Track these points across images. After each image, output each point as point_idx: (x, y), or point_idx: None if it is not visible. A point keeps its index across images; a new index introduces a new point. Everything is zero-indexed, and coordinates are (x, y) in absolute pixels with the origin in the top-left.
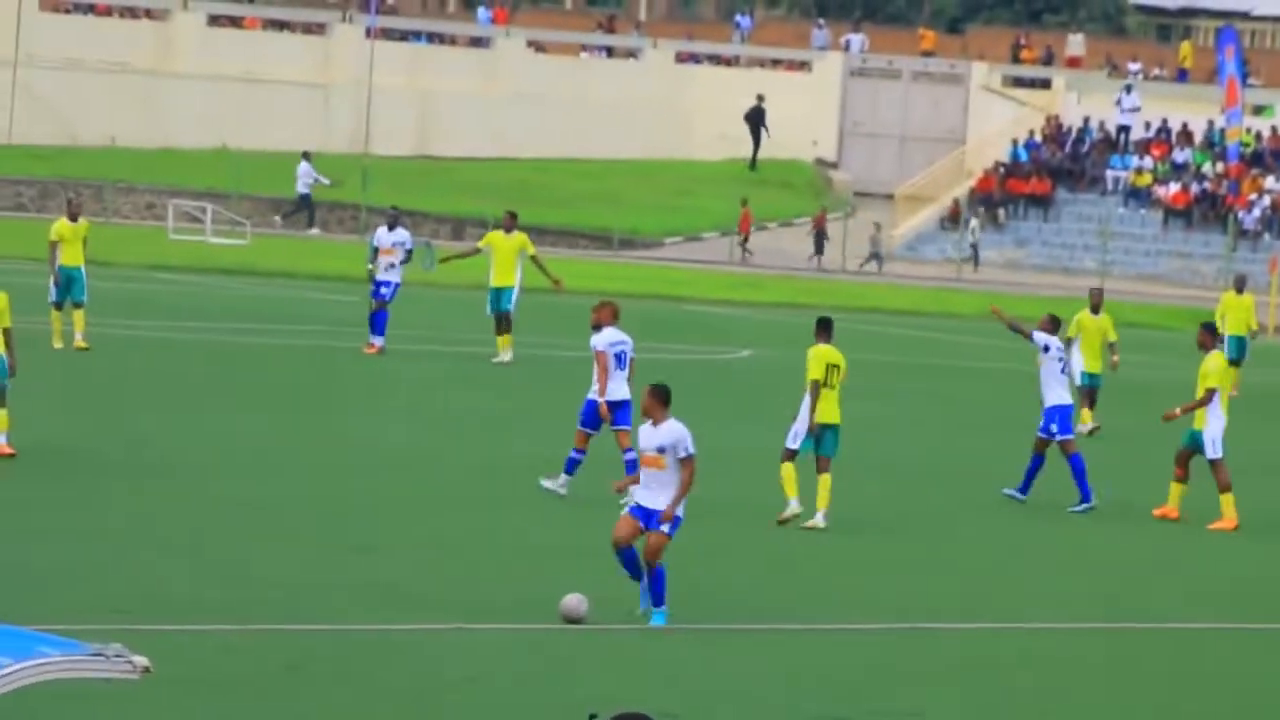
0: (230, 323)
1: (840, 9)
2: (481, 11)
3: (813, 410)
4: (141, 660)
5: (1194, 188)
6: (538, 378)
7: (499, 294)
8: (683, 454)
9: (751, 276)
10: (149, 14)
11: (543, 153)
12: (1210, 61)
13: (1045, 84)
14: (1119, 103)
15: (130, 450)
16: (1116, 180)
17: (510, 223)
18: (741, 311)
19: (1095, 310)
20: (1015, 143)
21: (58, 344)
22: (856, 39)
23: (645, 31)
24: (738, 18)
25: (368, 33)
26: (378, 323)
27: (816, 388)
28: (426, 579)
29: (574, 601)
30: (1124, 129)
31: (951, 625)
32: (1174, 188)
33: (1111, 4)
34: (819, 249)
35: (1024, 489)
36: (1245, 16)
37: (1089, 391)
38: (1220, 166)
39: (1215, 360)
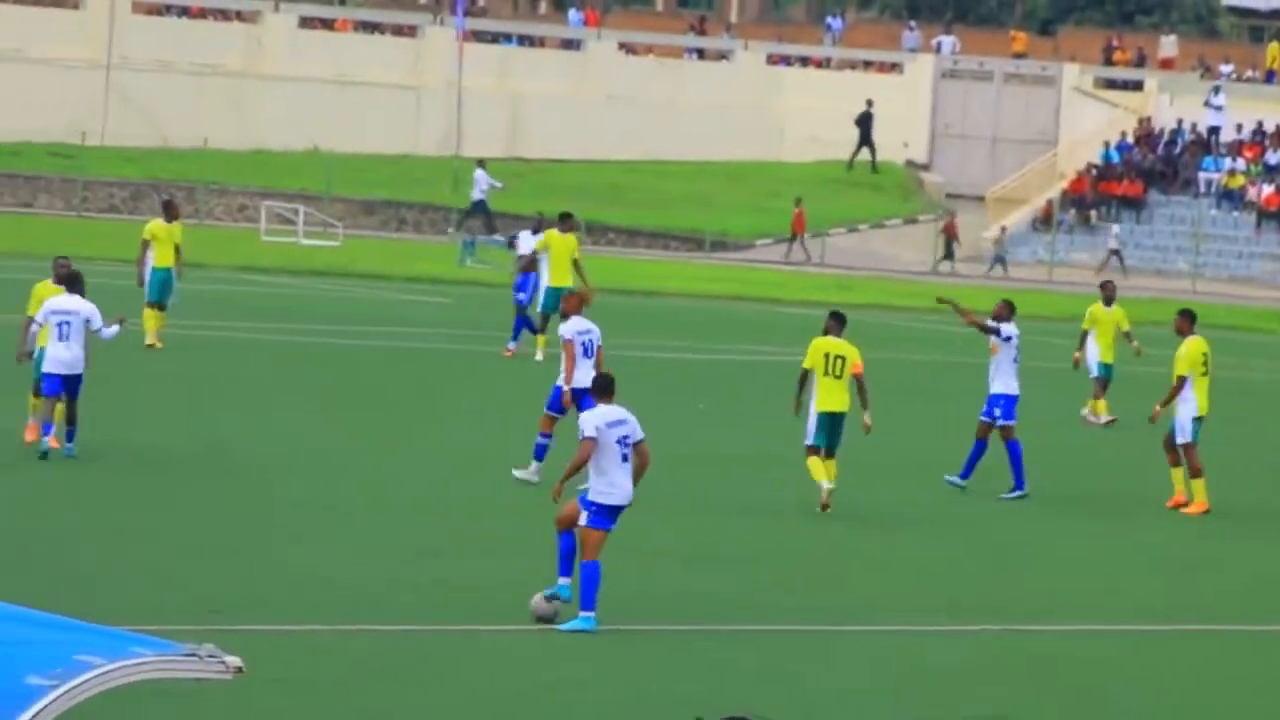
0: (322, 324)
1: (931, 11)
2: (572, 13)
3: (797, 397)
4: (234, 660)
5: None
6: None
7: (554, 293)
8: (580, 436)
9: (841, 278)
10: (240, 16)
11: (633, 155)
12: None
13: (1137, 86)
14: (1208, 104)
15: (219, 451)
16: (1209, 182)
17: (566, 224)
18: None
19: (1108, 302)
20: (1107, 145)
21: (151, 341)
22: (948, 41)
23: (736, 34)
24: (829, 20)
25: (465, 35)
26: (519, 326)
27: (804, 376)
28: (511, 581)
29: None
30: (1214, 130)
31: (1019, 626)
32: (1266, 189)
33: (1204, 5)
34: (949, 254)
35: (965, 474)
36: None
37: (1103, 382)
38: None
39: (1188, 346)
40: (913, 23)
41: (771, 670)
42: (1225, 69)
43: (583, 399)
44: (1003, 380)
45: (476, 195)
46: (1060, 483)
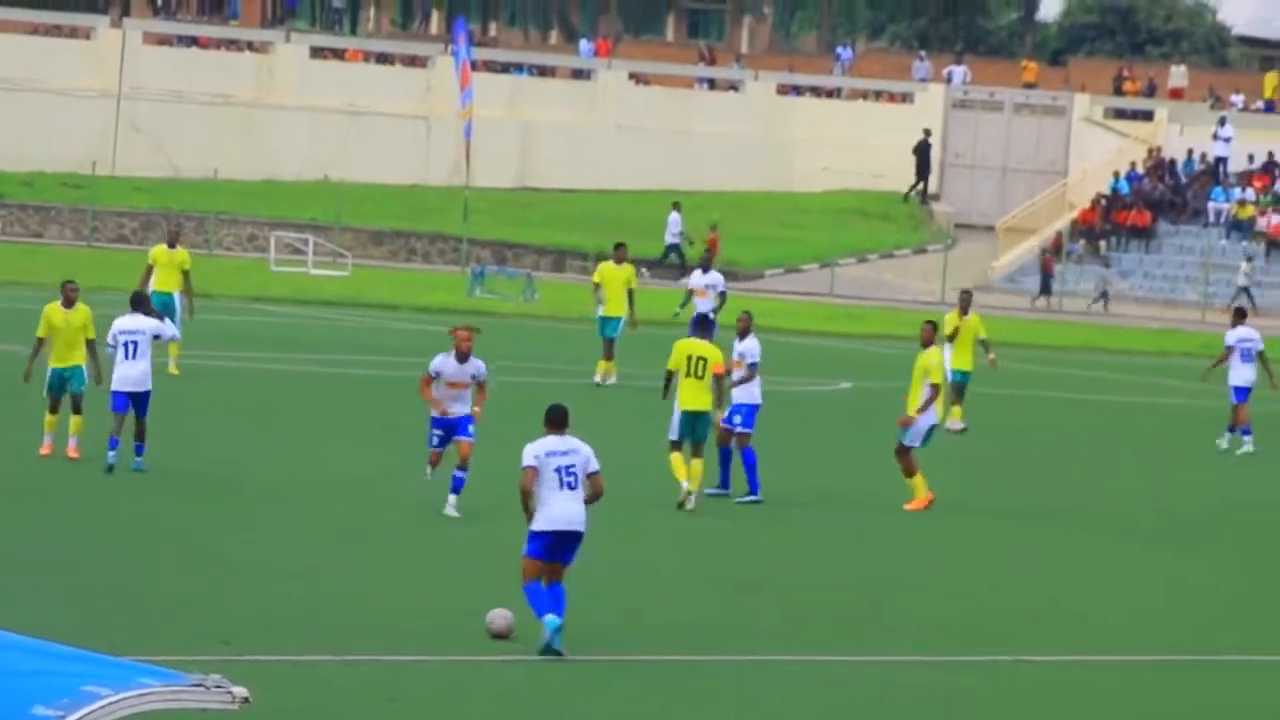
0: (332, 354)
1: (942, 41)
2: (583, 43)
3: (665, 395)
4: (241, 691)
5: None
6: (633, 406)
7: (608, 322)
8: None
9: (850, 308)
10: (251, 46)
11: (643, 185)
12: None
13: (1147, 116)
14: (1215, 135)
15: (229, 479)
16: (1218, 212)
17: (620, 255)
18: (840, 343)
19: (964, 311)
20: (1117, 175)
21: (171, 370)
22: (958, 71)
23: (746, 64)
24: (838, 50)
25: (472, 65)
26: None
27: (670, 376)
28: (525, 610)
29: (500, 620)
30: (1221, 160)
31: (1031, 656)
32: (1276, 219)
33: (1214, 36)
34: (1046, 289)
35: (723, 484)
36: None
37: (959, 387)
38: None
39: (934, 356)
40: (923, 53)
41: (769, 697)
42: (1235, 99)
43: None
44: (750, 392)
45: (670, 239)
46: (1073, 506)
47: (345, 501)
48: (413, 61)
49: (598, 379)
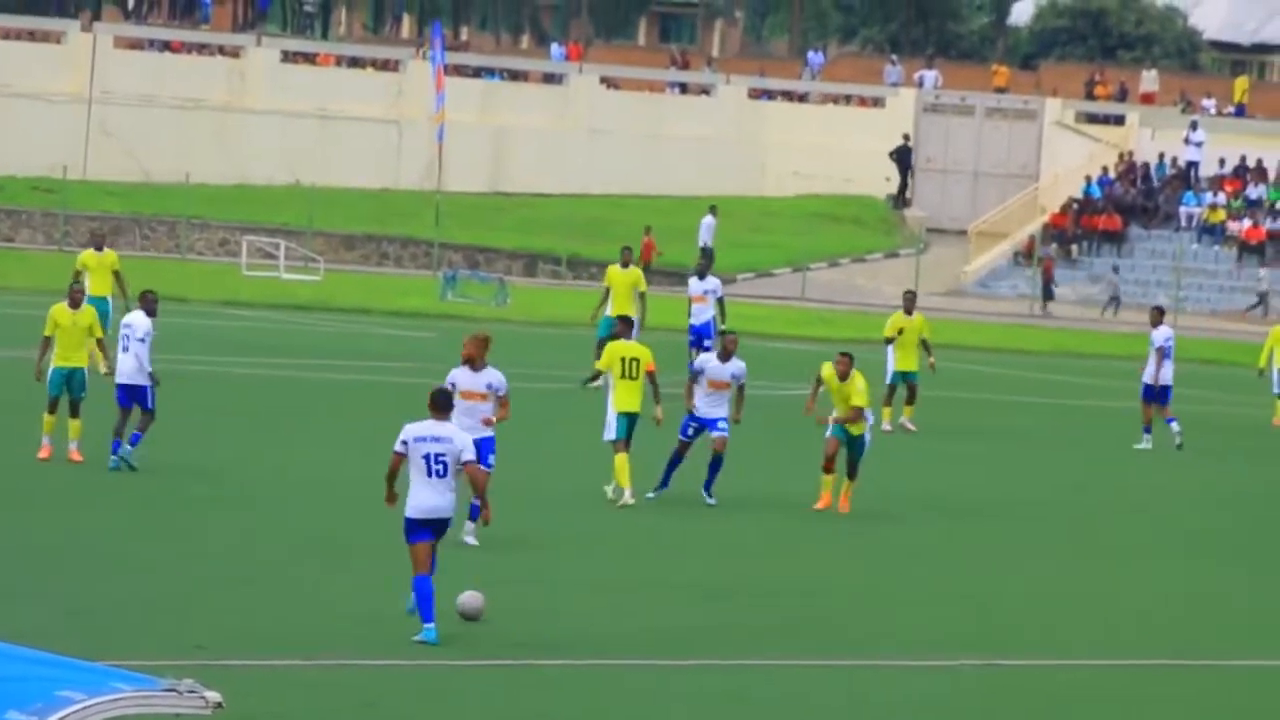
0: (305, 359)
1: (913, 45)
2: (555, 48)
3: (585, 384)
4: (214, 696)
5: (1268, 224)
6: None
7: (610, 323)
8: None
9: (822, 313)
10: (222, 51)
11: (616, 189)
12: None
13: (1119, 120)
14: (1187, 139)
15: (203, 484)
16: (1190, 216)
17: (626, 258)
18: (812, 347)
19: (909, 312)
20: (1089, 179)
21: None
22: (929, 75)
23: (718, 68)
24: (809, 54)
25: (445, 69)
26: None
27: (596, 374)
28: (496, 615)
29: (471, 601)
30: (1192, 164)
31: (1001, 660)
32: (1247, 224)
33: (1185, 40)
34: (1048, 295)
35: (663, 484)
36: None
37: (909, 387)
38: None
39: (857, 382)
40: (894, 57)
41: (747, 704)
42: (1207, 103)
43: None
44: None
45: (707, 240)
46: (1040, 509)
47: (321, 506)
48: (384, 65)
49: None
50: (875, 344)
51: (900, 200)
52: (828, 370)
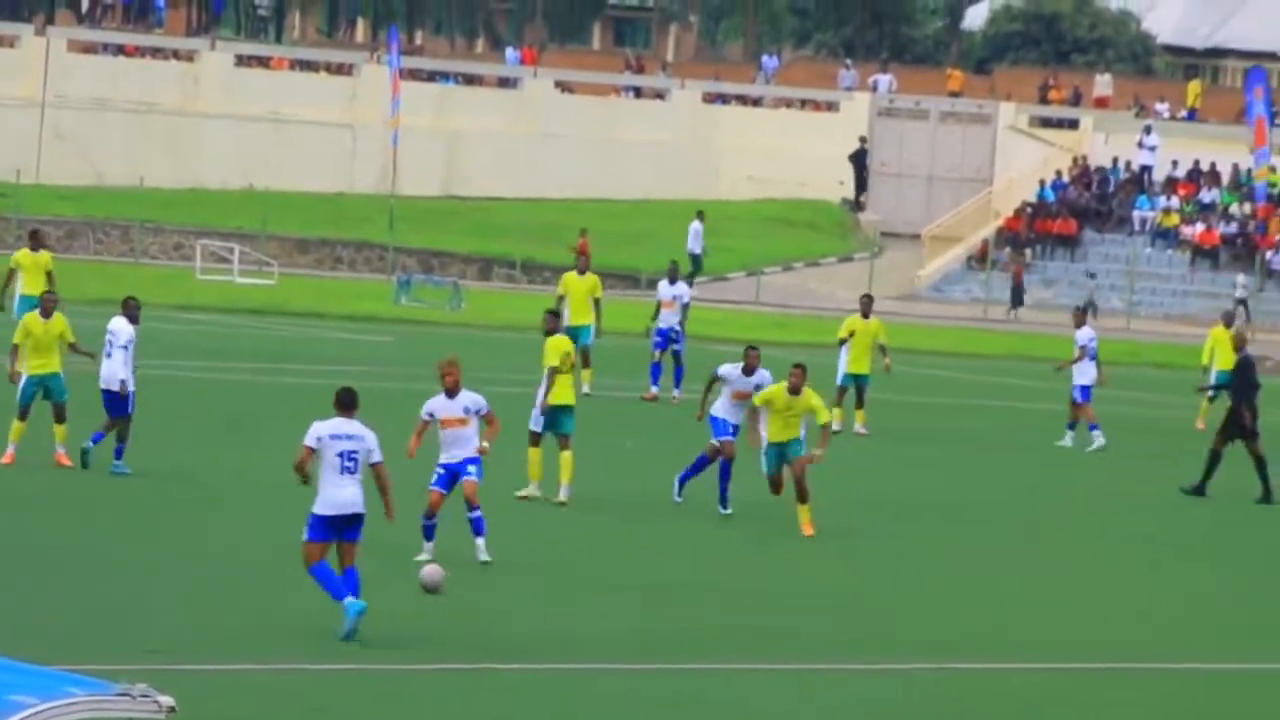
0: (259, 363)
1: (868, 49)
2: (509, 52)
3: (547, 394)
4: (167, 700)
5: (1221, 228)
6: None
7: (576, 331)
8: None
9: (777, 317)
10: (176, 55)
11: (570, 193)
12: (1236, 102)
13: (1073, 124)
14: (1140, 143)
15: (156, 489)
16: (1144, 220)
17: (584, 265)
18: (766, 351)
19: (865, 315)
20: (1043, 183)
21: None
22: (884, 79)
23: (672, 72)
24: (764, 58)
25: (400, 73)
26: (675, 375)
27: (553, 373)
28: (452, 618)
29: (433, 574)
30: (1146, 168)
31: (952, 664)
32: (1201, 228)
33: (1139, 45)
34: (1018, 301)
35: (687, 479)
36: (1273, 57)
37: (859, 390)
38: (1248, 207)
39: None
40: (849, 61)
41: (694, 706)
42: (1160, 107)
43: None
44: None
45: (696, 247)
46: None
47: (274, 510)
48: (338, 69)
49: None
50: (830, 348)
51: (857, 204)
52: (776, 391)
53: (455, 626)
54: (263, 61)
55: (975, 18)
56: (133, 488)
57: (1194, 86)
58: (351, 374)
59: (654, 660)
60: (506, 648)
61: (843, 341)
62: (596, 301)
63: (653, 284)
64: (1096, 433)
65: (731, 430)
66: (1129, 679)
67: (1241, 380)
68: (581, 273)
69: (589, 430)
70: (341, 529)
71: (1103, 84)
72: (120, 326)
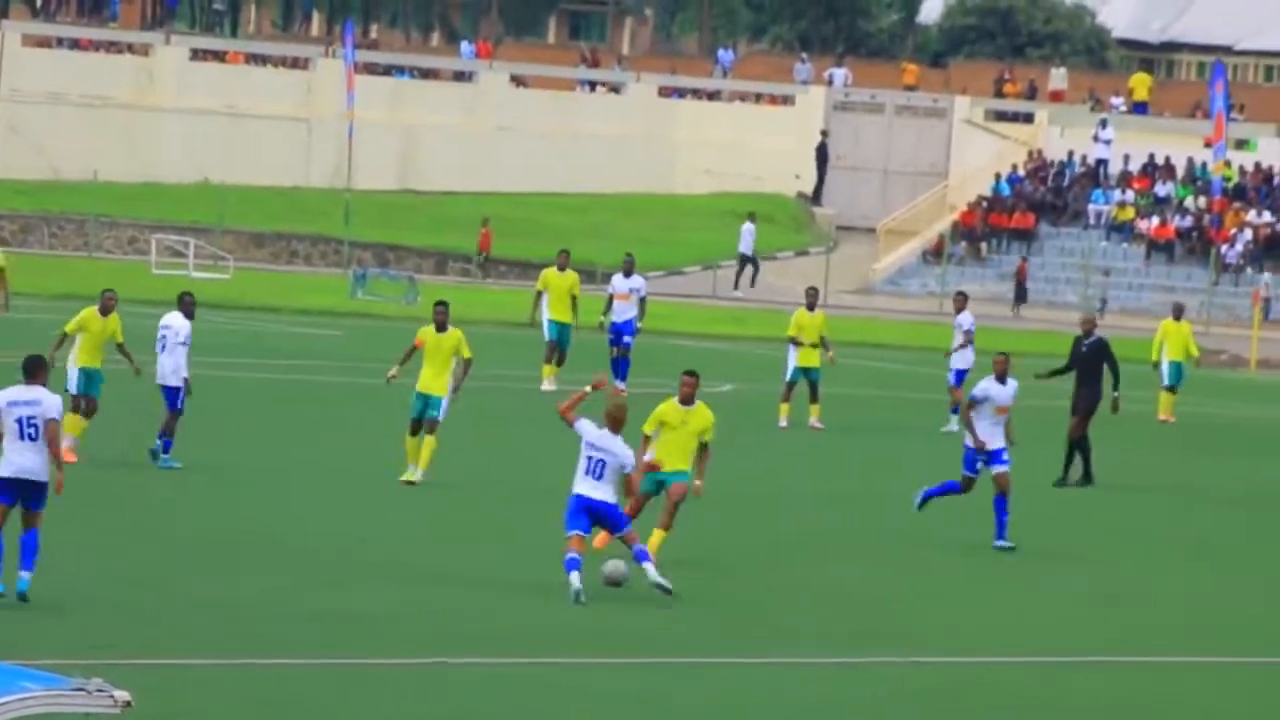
0: (215, 356)
1: (823, 43)
2: (465, 46)
3: (397, 371)
4: (122, 695)
5: (1176, 222)
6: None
7: (554, 326)
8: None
9: (732, 310)
10: (131, 49)
11: (526, 187)
12: (1191, 95)
13: (1028, 118)
14: (1096, 137)
15: (109, 482)
16: (1099, 214)
17: (563, 261)
18: (722, 345)
19: (811, 308)
20: (998, 177)
21: None
22: (839, 73)
23: (628, 66)
24: (720, 52)
25: (355, 66)
26: (620, 368)
27: (410, 353)
28: (407, 613)
29: (616, 568)
30: (1101, 162)
31: (919, 658)
32: (1156, 222)
33: (1094, 38)
34: (1021, 298)
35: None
36: (1228, 51)
37: (811, 384)
38: (1203, 201)
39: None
40: (804, 55)
41: (661, 700)
42: (1115, 101)
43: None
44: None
45: (747, 249)
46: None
47: (228, 504)
48: (293, 63)
49: (546, 385)
50: (784, 343)
51: (818, 197)
52: (668, 407)
53: (408, 621)
54: (218, 55)
55: (930, 11)
56: (79, 481)
57: (1141, 79)
58: (306, 368)
59: (617, 655)
60: (463, 641)
61: (793, 340)
62: (574, 299)
63: (608, 278)
64: (955, 418)
65: (988, 459)
66: (1083, 671)
67: (1091, 362)
68: (561, 269)
69: (541, 424)
70: (21, 494)
71: (1058, 78)
72: (177, 322)
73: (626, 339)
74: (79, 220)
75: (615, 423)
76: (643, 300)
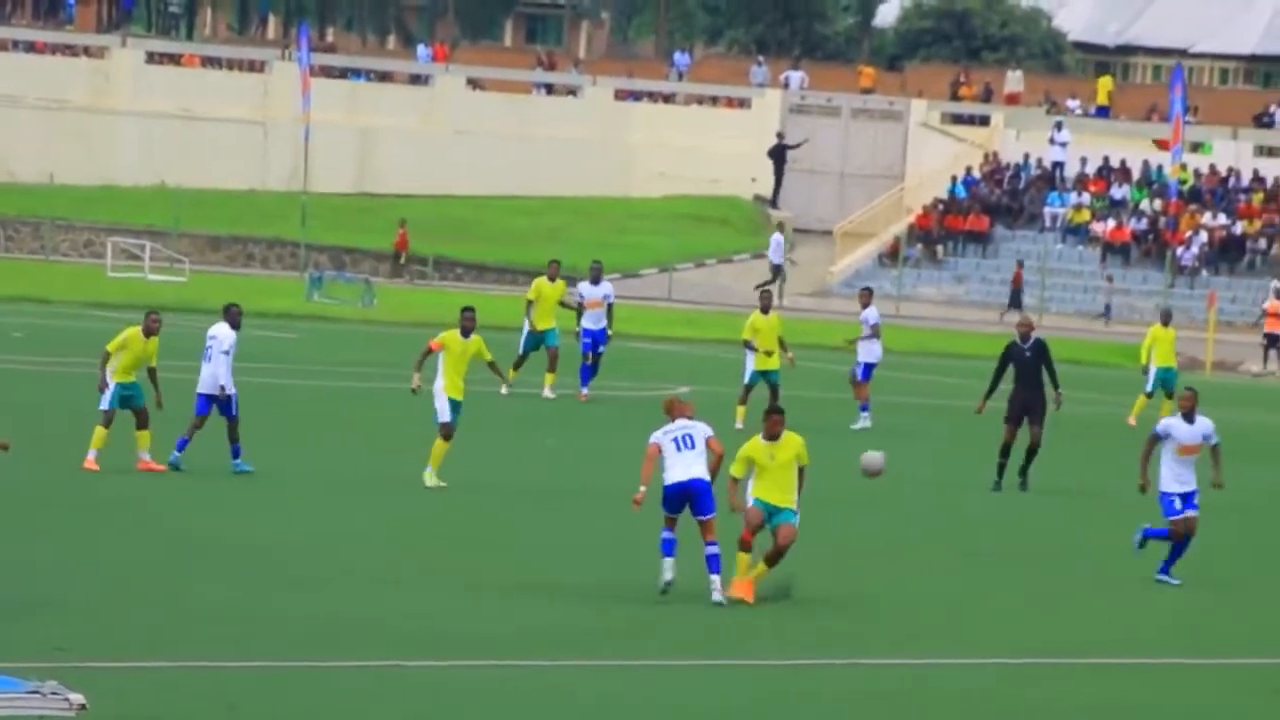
0: (169, 360)
1: (779, 46)
2: (421, 49)
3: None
4: (77, 698)
5: (1132, 224)
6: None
7: (543, 336)
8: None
9: (689, 313)
10: (87, 51)
11: (482, 190)
12: (1146, 98)
13: (984, 121)
14: (1051, 139)
15: (68, 485)
16: (1054, 217)
17: (554, 271)
18: (679, 348)
19: (765, 311)
20: (954, 179)
21: None
22: (796, 76)
23: (585, 69)
24: (676, 55)
25: (311, 69)
26: (587, 375)
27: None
28: (367, 615)
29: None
30: (1057, 165)
31: (876, 660)
32: (1111, 224)
33: (1050, 41)
34: (1016, 303)
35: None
36: (1183, 54)
37: (771, 387)
38: (1158, 203)
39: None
40: (761, 58)
41: (618, 703)
42: (1072, 104)
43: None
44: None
45: (776, 259)
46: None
47: (186, 506)
48: (250, 66)
49: (547, 392)
50: (739, 346)
51: (775, 200)
52: (753, 446)
53: (368, 622)
54: (174, 58)
55: (887, 15)
56: (33, 485)
57: (1105, 82)
58: (262, 371)
59: (570, 656)
60: (417, 645)
61: (748, 343)
62: (561, 303)
63: (569, 280)
64: (865, 415)
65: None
66: (1043, 673)
67: (1033, 366)
68: (552, 279)
69: (511, 428)
70: None
71: (1014, 80)
72: (223, 332)
73: (601, 349)
74: (35, 223)
75: (672, 409)
76: (610, 306)
